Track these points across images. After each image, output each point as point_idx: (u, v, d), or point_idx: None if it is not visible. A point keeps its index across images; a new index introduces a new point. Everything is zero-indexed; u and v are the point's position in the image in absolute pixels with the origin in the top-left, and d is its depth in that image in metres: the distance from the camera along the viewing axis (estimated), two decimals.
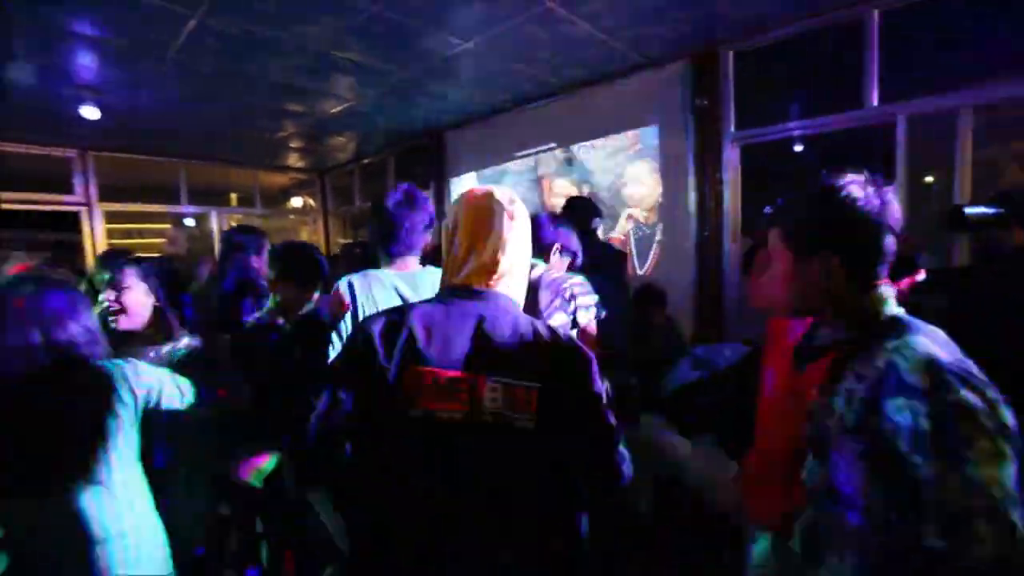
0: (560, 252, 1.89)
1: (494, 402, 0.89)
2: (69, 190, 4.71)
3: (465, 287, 0.97)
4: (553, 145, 3.91)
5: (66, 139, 4.47)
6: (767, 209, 1.01)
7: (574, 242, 1.93)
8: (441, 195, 4.93)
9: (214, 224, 5.69)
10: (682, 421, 2.27)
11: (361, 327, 0.97)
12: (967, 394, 0.72)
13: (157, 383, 1.29)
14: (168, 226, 5.87)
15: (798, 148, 3.13)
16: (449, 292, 0.99)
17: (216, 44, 2.80)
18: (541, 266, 1.82)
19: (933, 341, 0.80)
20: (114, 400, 1.20)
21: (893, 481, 0.75)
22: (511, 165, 4.26)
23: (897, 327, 0.84)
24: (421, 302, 1.01)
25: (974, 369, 0.76)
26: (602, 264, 2.42)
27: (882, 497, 0.77)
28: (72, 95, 3.36)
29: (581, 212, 2.63)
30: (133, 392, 1.23)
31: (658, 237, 3.45)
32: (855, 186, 0.86)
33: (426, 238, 1.68)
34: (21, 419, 1.14)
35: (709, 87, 3.09)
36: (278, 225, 6.95)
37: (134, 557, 1.18)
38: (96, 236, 4.88)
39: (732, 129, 3.10)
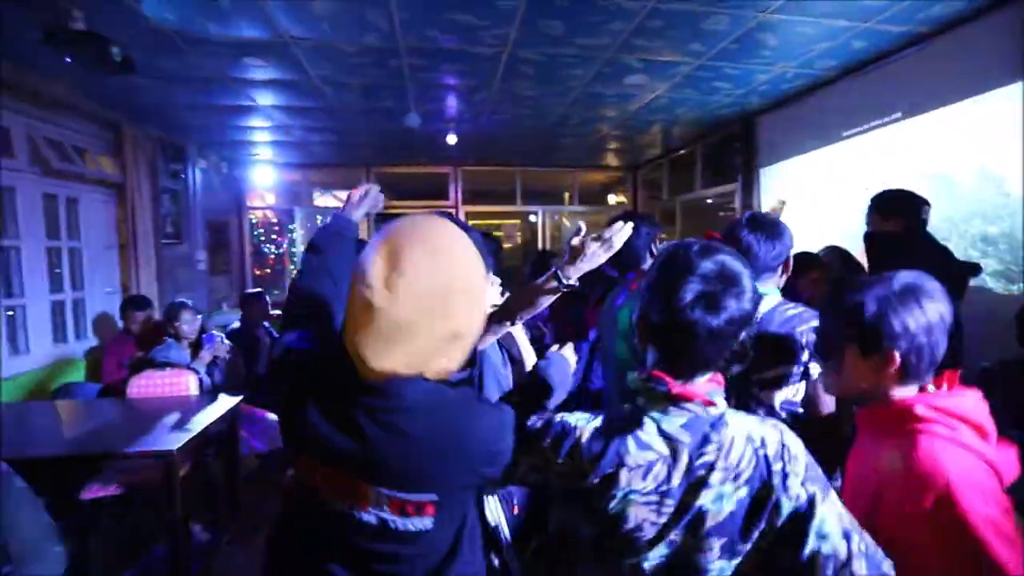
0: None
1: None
2: (445, 196, 6.37)
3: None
4: (898, 115, 2.97)
5: (443, 159, 6.03)
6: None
7: None
8: (750, 187, 4.43)
9: (539, 219, 6.68)
10: None
11: None
12: None
13: None
14: (513, 221, 7.24)
15: None
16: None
17: (525, 70, 3.27)
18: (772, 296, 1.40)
19: None
20: None
21: None
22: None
23: None
24: None
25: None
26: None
27: None
28: (442, 128, 4.52)
29: (907, 198, 2.01)
30: None
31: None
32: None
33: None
34: None
35: None
36: (594, 220, 7.58)
37: None
38: None
39: None
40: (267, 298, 3.79)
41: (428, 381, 0.81)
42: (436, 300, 0.74)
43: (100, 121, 3.64)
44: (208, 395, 2.78)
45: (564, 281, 1.17)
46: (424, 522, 0.82)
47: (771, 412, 1.38)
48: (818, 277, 2.36)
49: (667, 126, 4.71)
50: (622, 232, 1.17)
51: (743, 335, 0.82)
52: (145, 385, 2.71)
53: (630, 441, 0.78)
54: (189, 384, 2.81)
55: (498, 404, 0.93)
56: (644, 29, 2.69)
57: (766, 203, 4.20)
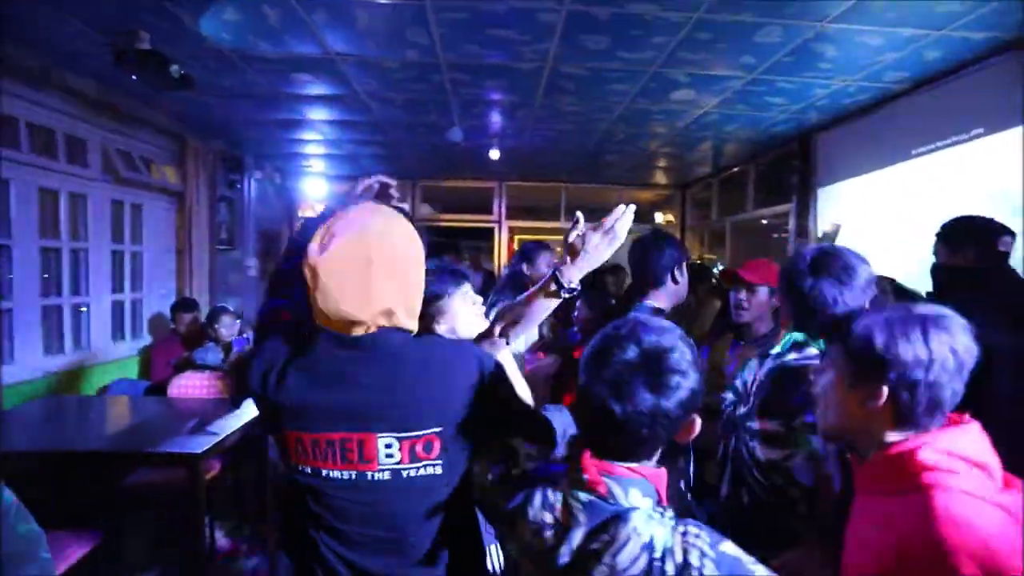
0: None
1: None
2: (489, 211, 6.38)
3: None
4: (979, 131, 2.69)
5: (487, 173, 6.06)
6: None
7: None
8: (806, 208, 4.16)
9: None
10: None
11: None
12: None
13: None
14: (558, 238, 7.18)
15: None
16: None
17: (567, 85, 3.22)
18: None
19: None
20: None
21: None
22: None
23: None
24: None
25: None
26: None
27: None
28: (485, 143, 4.54)
29: (982, 227, 1.82)
30: None
31: None
32: None
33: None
34: None
35: None
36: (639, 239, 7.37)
37: None
38: (501, 245, 6.44)
39: None
40: None
41: (398, 331, 0.90)
42: (359, 257, 0.85)
43: (167, 134, 3.89)
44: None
45: (565, 285, 1.03)
46: (434, 466, 0.90)
47: (757, 466, 1.30)
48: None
49: (718, 143, 4.53)
50: (624, 218, 1.02)
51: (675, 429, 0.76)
52: (184, 386, 2.82)
53: (538, 495, 0.80)
54: (225, 386, 2.89)
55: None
56: (690, 42, 2.58)
57: (822, 225, 3.93)
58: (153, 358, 3.43)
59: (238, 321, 3.23)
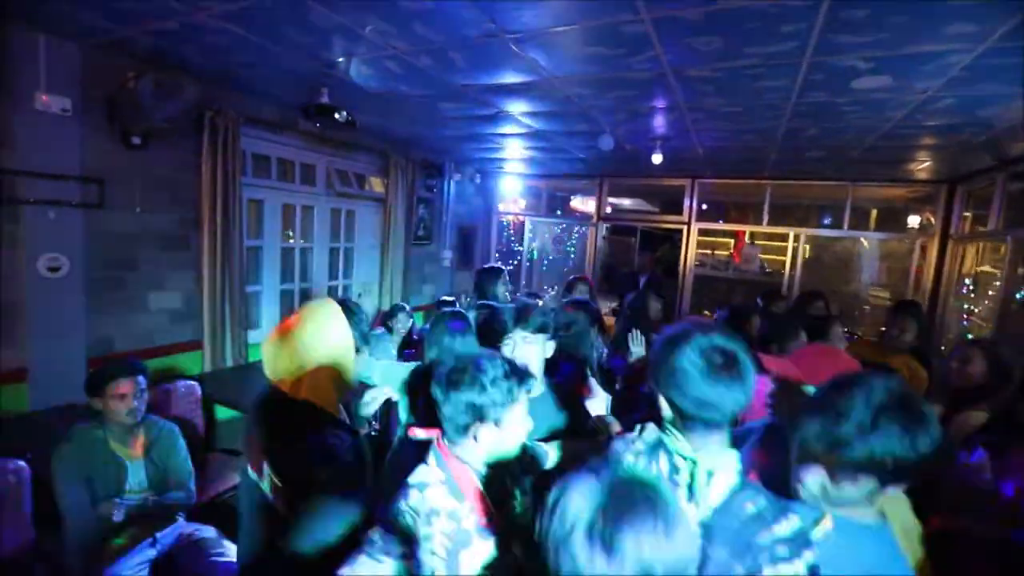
0: None
1: None
2: (680, 212, 5.86)
3: None
4: None
5: (678, 171, 5.52)
6: None
7: None
8: None
9: (790, 243, 5.46)
10: None
11: None
12: None
13: None
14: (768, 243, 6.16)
15: None
16: None
17: (703, 88, 2.77)
18: None
19: None
20: None
21: None
22: None
23: None
24: None
25: None
26: None
27: None
28: (648, 145, 4.20)
29: None
30: None
31: None
32: None
33: None
34: None
35: None
36: (887, 250, 5.74)
37: None
38: (690, 247, 5.87)
39: None
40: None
41: None
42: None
43: (374, 152, 4.79)
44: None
45: None
46: None
47: None
48: None
49: (977, 132, 3.19)
50: None
51: None
52: None
53: None
54: None
55: None
56: (842, 23, 1.94)
57: None
58: None
59: (411, 320, 3.89)
